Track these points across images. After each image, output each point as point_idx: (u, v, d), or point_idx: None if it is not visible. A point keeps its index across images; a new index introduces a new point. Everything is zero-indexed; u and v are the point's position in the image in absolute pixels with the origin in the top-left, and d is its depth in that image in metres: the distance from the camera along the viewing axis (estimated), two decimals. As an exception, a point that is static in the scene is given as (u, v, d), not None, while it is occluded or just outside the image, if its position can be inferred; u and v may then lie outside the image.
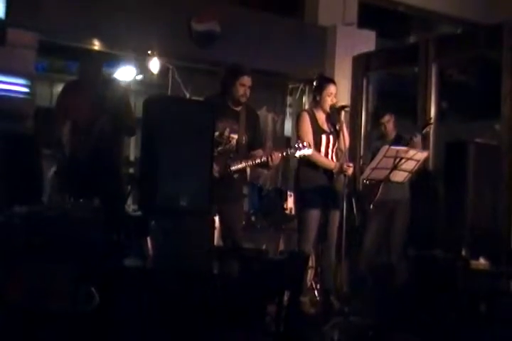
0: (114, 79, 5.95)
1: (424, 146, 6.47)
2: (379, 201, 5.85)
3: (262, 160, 5.26)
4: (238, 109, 5.43)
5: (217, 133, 5.03)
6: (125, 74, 7.65)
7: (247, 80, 5.35)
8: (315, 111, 5.76)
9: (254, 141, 5.51)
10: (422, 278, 5.31)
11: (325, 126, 5.73)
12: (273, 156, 5.23)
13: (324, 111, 5.72)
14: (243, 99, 5.38)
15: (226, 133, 5.30)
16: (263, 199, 7.14)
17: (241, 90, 5.33)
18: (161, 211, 4.29)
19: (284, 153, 5.29)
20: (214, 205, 4.93)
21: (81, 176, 5.29)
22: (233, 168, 5.24)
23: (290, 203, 7.08)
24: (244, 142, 5.39)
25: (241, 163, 5.26)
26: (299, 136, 5.77)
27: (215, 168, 5.03)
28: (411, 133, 6.08)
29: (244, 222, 5.99)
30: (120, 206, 5.61)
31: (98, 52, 7.17)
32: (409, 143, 5.85)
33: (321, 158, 5.65)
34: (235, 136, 5.35)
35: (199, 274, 4.27)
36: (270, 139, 9.10)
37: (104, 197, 4.94)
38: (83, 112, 5.49)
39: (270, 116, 9.30)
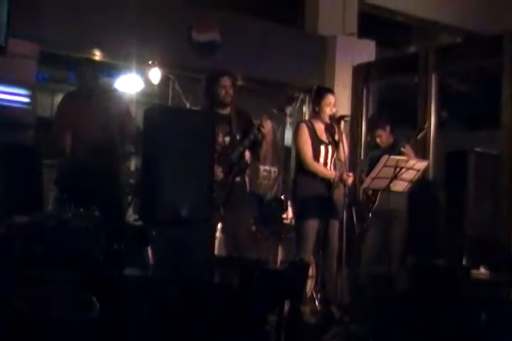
0: (113, 89, 5.97)
1: (418, 155, 6.46)
2: (377, 210, 5.86)
3: None
4: (226, 112, 5.44)
5: None
6: (130, 84, 7.65)
7: (225, 80, 5.39)
8: (313, 122, 5.79)
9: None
10: (422, 287, 5.30)
11: (323, 137, 5.74)
12: None
13: (323, 121, 5.74)
14: (228, 100, 5.40)
15: (220, 138, 5.31)
16: (263, 209, 7.13)
17: (222, 91, 5.37)
18: (162, 221, 4.29)
19: None
20: (218, 211, 4.98)
21: (81, 185, 5.30)
22: None
23: (290, 213, 7.07)
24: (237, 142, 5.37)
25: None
26: (297, 148, 5.79)
27: (219, 173, 5.10)
28: (402, 144, 6.10)
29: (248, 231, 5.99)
30: (120, 215, 5.61)
31: (93, 60, 7.15)
32: (400, 154, 5.86)
33: (320, 167, 5.66)
34: (228, 139, 5.37)
35: (200, 284, 4.27)
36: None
37: (105, 206, 4.95)
38: (83, 122, 5.53)
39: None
